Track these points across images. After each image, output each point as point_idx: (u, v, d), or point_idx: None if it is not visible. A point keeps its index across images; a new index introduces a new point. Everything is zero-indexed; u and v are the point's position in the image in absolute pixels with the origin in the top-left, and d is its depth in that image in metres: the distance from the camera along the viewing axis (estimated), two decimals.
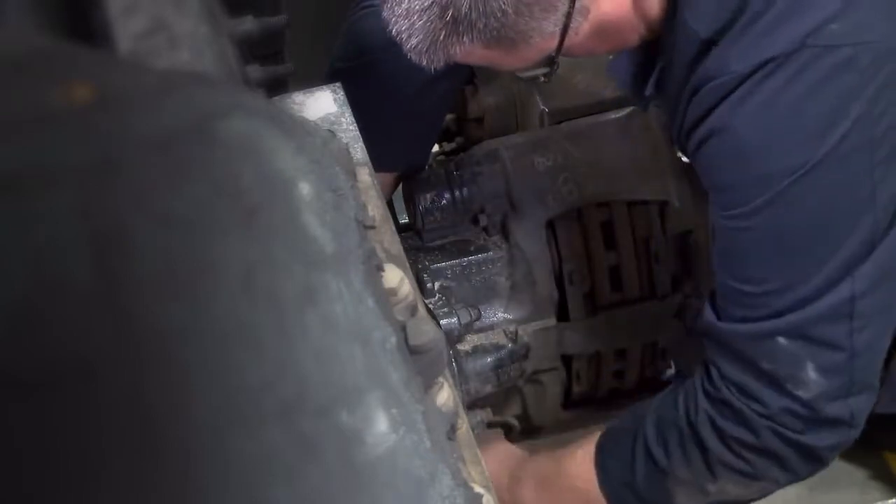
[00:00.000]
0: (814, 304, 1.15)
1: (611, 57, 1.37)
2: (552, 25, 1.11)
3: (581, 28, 1.14)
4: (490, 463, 1.43)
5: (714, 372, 1.24)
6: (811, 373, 1.17)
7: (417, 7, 1.07)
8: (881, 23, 1.10)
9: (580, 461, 1.38)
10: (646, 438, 1.31)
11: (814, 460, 1.26)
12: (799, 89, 1.09)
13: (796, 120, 1.10)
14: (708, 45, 1.13)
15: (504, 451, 1.50)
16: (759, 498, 1.35)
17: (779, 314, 1.17)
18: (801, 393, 1.19)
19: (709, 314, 1.24)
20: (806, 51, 1.08)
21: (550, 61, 1.18)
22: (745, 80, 1.10)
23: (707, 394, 1.25)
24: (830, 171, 1.10)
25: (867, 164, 1.11)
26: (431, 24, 1.07)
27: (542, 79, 1.24)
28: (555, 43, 1.13)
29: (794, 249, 1.16)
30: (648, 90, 1.27)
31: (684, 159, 1.53)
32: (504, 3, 1.06)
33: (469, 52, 1.11)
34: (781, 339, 1.17)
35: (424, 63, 1.12)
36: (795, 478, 1.29)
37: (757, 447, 1.23)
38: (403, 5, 1.08)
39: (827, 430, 1.22)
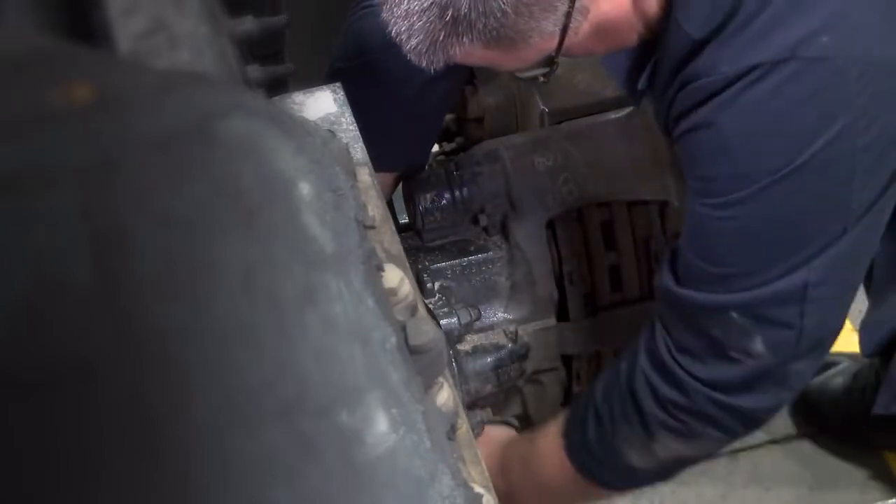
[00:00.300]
0: (769, 286, 1.18)
1: None
2: (552, 25, 1.11)
3: (581, 28, 1.14)
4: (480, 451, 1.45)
5: (659, 331, 1.28)
6: (759, 345, 1.21)
7: (417, 8, 1.07)
8: (871, 36, 1.11)
9: (552, 434, 1.42)
10: (595, 399, 1.35)
11: (748, 421, 1.30)
12: (788, 97, 1.10)
13: (782, 125, 1.12)
14: (700, 45, 1.14)
15: (492, 438, 1.53)
16: (709, 455, 1.40)
17: (734, 292, 1.20)
18: (745, 360, 1.22)
19: (667, 276, 1.27)
20: (795, 62, 1.09)
21: (550, 61, 1.18)
22: (733, 81, 1.11)
23: (648, 352, 1.29)
24: (810, 176, 1.12)
25: (848, 173, 1.13)
26: (431, 24, 1.07)
27: (542, 79, 1.24)
28: (554, 43, 1.13)
29: (762, 243, 1.19)
30: (641, 84, 1.28)
31: None
32: (503, 3, 1.06)
33: (469, 52, 1.11)
34: (734, 314, 1.20)
35: (424, 64, 1.12)
36: (733, 437, 1.33)
37: (690, 408, 1.27)
38: (403, 6, 1.08)
39: (763, 393, 1.26)
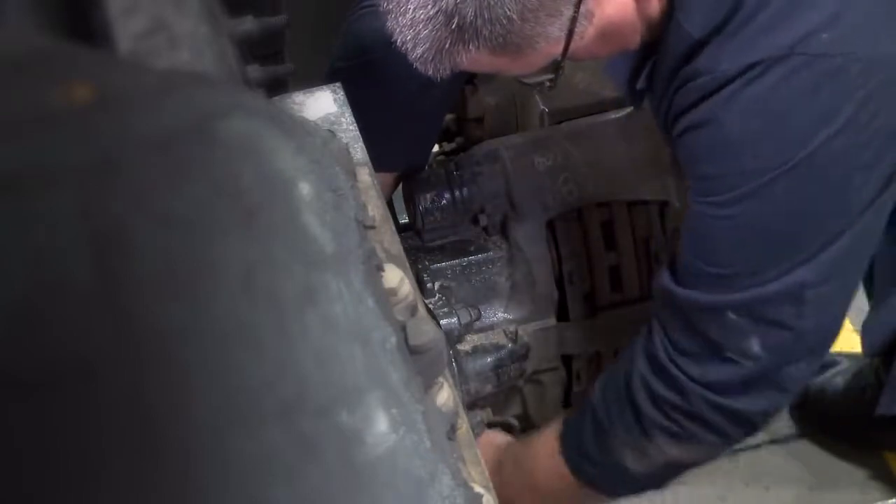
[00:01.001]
0: (767, 286, 1.18)
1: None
2: (557, 30, 1.11)
3: (586, 32, 1.14)
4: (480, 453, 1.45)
5: (657, 332, 1.28)
6: (755, 346, 1.21)
7: (422, 16, 1.06)
8: (872, 32, 1.11)
9: (547, 436, 1.42)
10: (592, 401, 1.35)
11: (744, 424, 1.29)
12: (788, 92, 1.10)
13: (783, 121, 1.12)
14: (700, 44, 1.15)
15: (492, 441, 1.53)
16: (706, 460, 1.38)
17: (732, 292, 1.20)
18: (741, 361, 1.22)
19: (666, 277, 1.27)
20: (795, 58, 1.09)
21: (556, 66, 1.18)
22: (734, 78, 1.12)
23: (646, 355, 1.29)
24: (810, 173, 1.12)
25: (847, 171, 1.13)
26: (437, 32, 1.07)
27: (548, 84, 1.24)
28: (560, 48, 1.13)
29: (762, 242, 1.18)
30: (640, 84, 1.28)
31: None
32: (509, 10, 1.05)
33: (475, 59, 1.11)
34: (731, 314, 1.20)
35: (430, 72, 1.11)
36: (728, 440, 1.32)
37: (686, 411, 1.26)
38: (408, 15, 1.07)
39: (759, 395, 1.26)
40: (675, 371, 1.25)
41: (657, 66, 1.24)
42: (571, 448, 1.39)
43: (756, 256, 1.19)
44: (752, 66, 1.10)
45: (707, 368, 1.24)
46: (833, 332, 1.26)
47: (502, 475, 1.46)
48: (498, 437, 1.55)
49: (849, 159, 1.13)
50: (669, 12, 1.18)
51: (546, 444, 1.42)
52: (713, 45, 1.13)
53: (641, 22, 1.20)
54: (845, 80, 1.09)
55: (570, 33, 1.12)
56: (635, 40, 1.22)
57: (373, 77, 1.46)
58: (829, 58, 1.09)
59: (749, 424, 1.30)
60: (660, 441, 1.30)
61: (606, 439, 1.34)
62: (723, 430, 1.28)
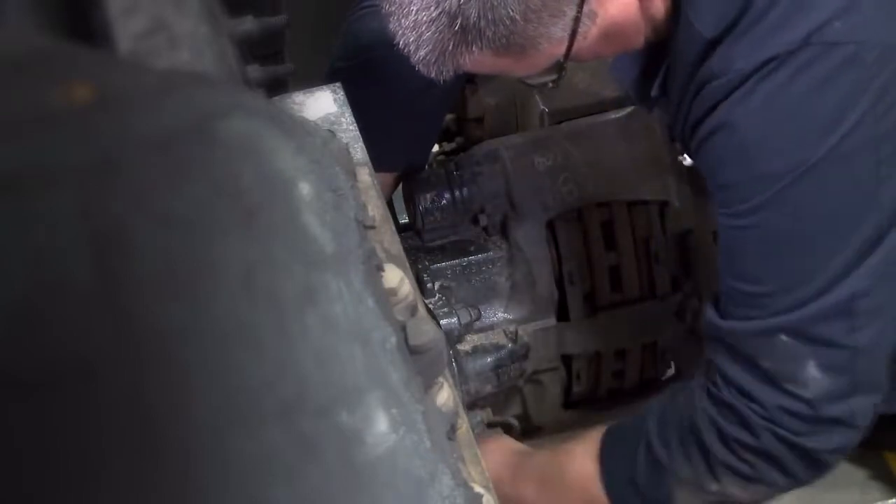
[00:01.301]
0: (813, 302, 1.14)
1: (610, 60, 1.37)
2: (560, 31, 1.10)
3: (589, 32, 1.13)
4: (491, 458, 1.43)
5: (716, 372, 1.23)
6: (812, 371, 1.16)
7: (425, 18, 1.06)
8: (885, 20, 1.09)
9: (581, 459, 1.37)
10: (648, 437, 1.29)
11: (815, 464, 1.24)
12: (802, 86, 1.08)
13: (799, 117, 1.10)
14: (712, 44, 1.13)
15: (505, 447, 1.49)
16: (763, 501, 1.33)
17: (779, 313, 1.16)
18: (801, 392, 1.17)
19: (711, 313, 1.23)
20: (809, 48, 1.07)
21: (559, 67, 1.18)
22: (748, 77, 1.09)
23: (709, 394, 1.24)
24: (833, 169, 1.09)
25: (872, 162, 1.10)
26: (440, 34, 1.06)
27: (551, 85, 1.23)
28: (563, 48, 1.12)
29: (793, 250, 1.15)
30: (654, 91, 1.26)
31: (687, 161, 1.53)
32: (512, 11, 1.05)
33: (478, 60, 1.10)
34: (783, 337, 1.16)
35: (433, 74, 1.10)
36: (797, 482, 1.27)
37: (757, 449, 1.22)
38: (410, 17, 1.07)
39: (828, 431, 1.21)
40: (741, 408, 1.20)
41: (671, 71, 1.22)
42: (616, 478, 1.32)
43: (791, 268, 1.15)
44: (766, 63, 1.08)
45: (769, 403, 1.19)
46: (888, 352, 1.20)
47: (524, 492, 1.41)
48: (512, 442, 1.50)
49: (870, 154, 1.09)
50: (675, 12, 1.16)
51: (581, 467, 1.36)
52: (726, 45, 1.11)
53: (645, 22, 1.19)
54: (861, 69, 1.07)
55: (573, 34, 1.11)
56: (639, 41, 1.21)
57: (373, 77, 1.46)
58: (842, 46, 1.06)
59: (818, 464, 1.24)
60: (726, 480, 1.25)
61: (664, 477, 1.28)
62: (792, 470, 1.23)
